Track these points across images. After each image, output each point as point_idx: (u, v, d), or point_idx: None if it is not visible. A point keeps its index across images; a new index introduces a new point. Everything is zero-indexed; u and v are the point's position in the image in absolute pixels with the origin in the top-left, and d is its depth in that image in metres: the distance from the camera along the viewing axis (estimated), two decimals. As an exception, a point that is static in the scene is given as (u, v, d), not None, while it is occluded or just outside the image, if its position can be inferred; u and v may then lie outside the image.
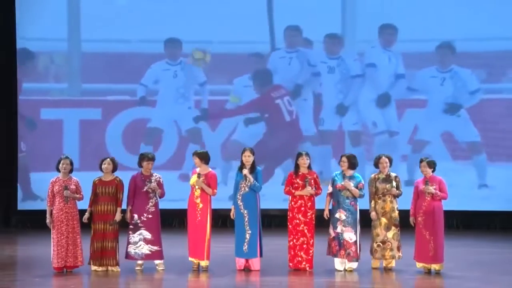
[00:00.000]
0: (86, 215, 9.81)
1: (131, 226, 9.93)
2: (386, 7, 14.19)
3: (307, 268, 9.86)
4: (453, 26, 14.03)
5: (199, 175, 9.85)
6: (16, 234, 14.00)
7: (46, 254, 10.00)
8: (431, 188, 9.70)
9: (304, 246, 9.88)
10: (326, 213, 10.00)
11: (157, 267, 9.98)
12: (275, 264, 10.17)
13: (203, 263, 9.90)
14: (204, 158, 9.95)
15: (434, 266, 9.75)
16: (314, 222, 9.92)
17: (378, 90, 14.31)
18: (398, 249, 9.97)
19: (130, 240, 9.90)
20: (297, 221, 9.91)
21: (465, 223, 14.22)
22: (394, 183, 10.00)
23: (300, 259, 9.89)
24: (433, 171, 9.84)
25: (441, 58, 14.14)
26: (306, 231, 9.88)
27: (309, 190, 9.88)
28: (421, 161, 9.92)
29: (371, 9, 14.21)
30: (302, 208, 9.91)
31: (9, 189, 14.69)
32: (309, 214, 9.91)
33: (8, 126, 14.72)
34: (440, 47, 14.13)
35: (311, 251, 9.87)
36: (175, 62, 14.50)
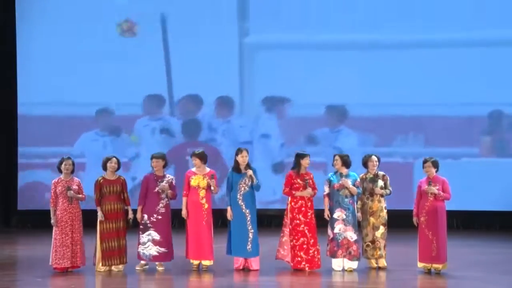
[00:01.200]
0: (100, 213, 9.80)
1: (141, 226, 9.94)
2: (280, 76, 14.30)
3: (307, 268, 9.86)
4: (346, 91, 14.21)
5: (212, 176, 9.91)
6: (16, 234, 13.98)
7: (47, 254, 9.97)
8: (434, 189, 9.70)
9: (304, 246, 9.87)
10: (326, 213, 9.98)
11: (157, 267, 9.98)
12: (274, 264, 10.17)
13: (208, 262, 9.93)
14: (204, 158, 9.99)
15: (435, 266, 9.76)
16: (314, 222, 9.93)
17: (272, 159, 14.41)
18: (384, 247, 10.03)
19: (140, 241, 9.92)
20: (297, 221, 9.91)
21: (465, 223, 14.23)
22: (381, 182, 10.04)
23: (299, 259, 9.88)
24: (436, 171, 9.85)
25: (331, 120, 14.39)
26: (306, 231, 9.88)
27: (309, 191, 9.91)
28: (425, 161, 9.89)
29: (266, 78, 14.38)
30: (303, 209, 9.92)
31: (9, 189, 14.69)
32: (309, 214, 9.91)
33: (8, 127, 14.75)
34: (330, 108, 14.38)
35: (311, 251, 9.87)
36: (105, 133, 14.52)
